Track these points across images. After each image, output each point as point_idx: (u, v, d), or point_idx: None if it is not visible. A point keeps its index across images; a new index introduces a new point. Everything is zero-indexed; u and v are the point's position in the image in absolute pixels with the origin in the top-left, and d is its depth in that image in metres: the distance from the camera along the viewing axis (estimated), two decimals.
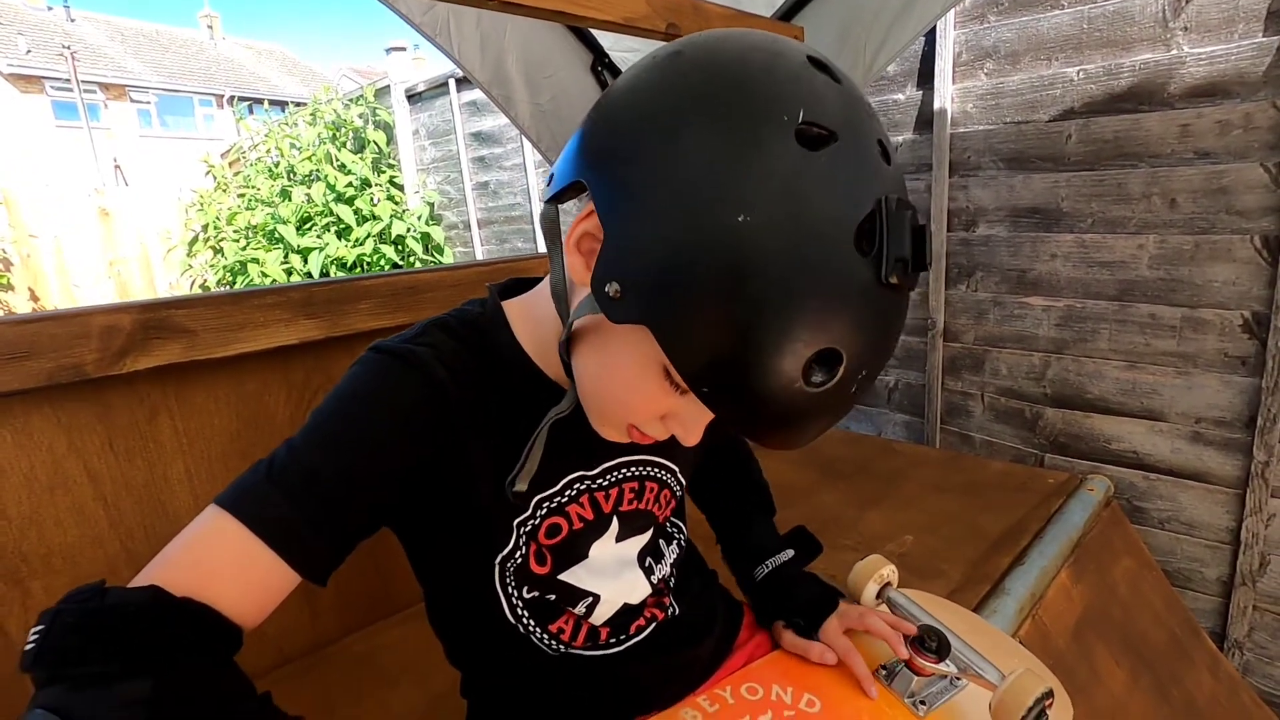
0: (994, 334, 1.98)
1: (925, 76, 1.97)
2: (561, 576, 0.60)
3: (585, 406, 0.52)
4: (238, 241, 4.30)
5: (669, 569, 0.69)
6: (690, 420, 0.49)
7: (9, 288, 5.73)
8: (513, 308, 0.57)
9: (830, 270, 0.39)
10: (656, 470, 0.65)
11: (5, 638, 0.85)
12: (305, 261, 4.02)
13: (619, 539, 0.63)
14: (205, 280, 4.84)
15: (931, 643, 0.73)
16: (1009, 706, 0.63)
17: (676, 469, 0.67)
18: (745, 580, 0.80)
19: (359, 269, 4.09)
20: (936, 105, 1.95)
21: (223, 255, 4.42)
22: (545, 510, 0.57)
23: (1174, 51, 1.57)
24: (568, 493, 0.58)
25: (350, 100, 4.49)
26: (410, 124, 4.26)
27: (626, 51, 1.87)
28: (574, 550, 0.60)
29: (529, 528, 0.57)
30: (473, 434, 0.53)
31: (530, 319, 0.56)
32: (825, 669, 0.75)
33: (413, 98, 4.19)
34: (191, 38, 20.22)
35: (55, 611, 0.40)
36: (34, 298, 5.99)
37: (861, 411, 2.37)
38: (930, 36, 1.91)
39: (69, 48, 13.75)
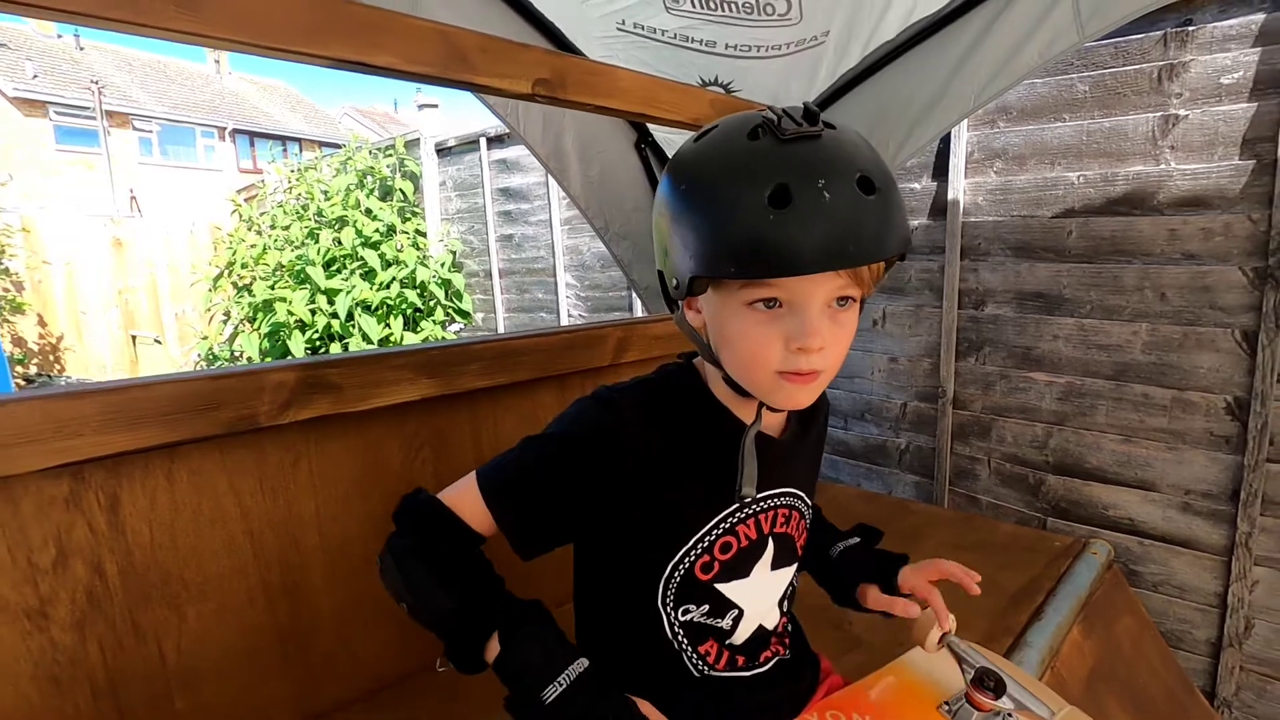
0: (1000, 404, 2.16)
1: (940, 170, 2.19)
2: (719, 585, 0.73)
3: (748, 385, 0.65)
4: (266, 280, 4.42)
5: (789, 608, 0.83)
6: (798, 323, 0.59)
7: (22, 311, 5.77)
8: (700, 365, 0.74)
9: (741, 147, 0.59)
10: (795, 500, 0.79)
11: (162, 661, 0.94)
12: (331, 302, 4.15)
13: (774, 566, 0.77)
14: (229, 315, 4.93)
15: (990, 682, 0.86)
16: None
17: (809, 502, 0.82)
18: (821, 562, 0.92)
19: (382, 311, 4.22)
20: (950, 196, 2.16)
21: (249, 293, 4.53)
22: (721, 530, 0.72)
23: (1163, 166, 1.80)
24: (738, 514, 0.73)
25: (379, 149, 4.69)
26: (438, 175, 4.46)
27: (668, 131, 2.08)
28: (740, 567, 0.74)
29: (706, 543, 0.71)
30: (661, 465, 0.68)
31: (710, 371, 0.72)
32: (897, 702, 0.88)
33: (442, 151, 4.40)
34: (198, 71, 20.57)
35: (404, 496, 0.71)
36: (42, 323, 6.01)
37: (873, 471, 2.52)
38: (946, 136, 2.14)
39: (96, 81, 14.02)
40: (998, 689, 0.85)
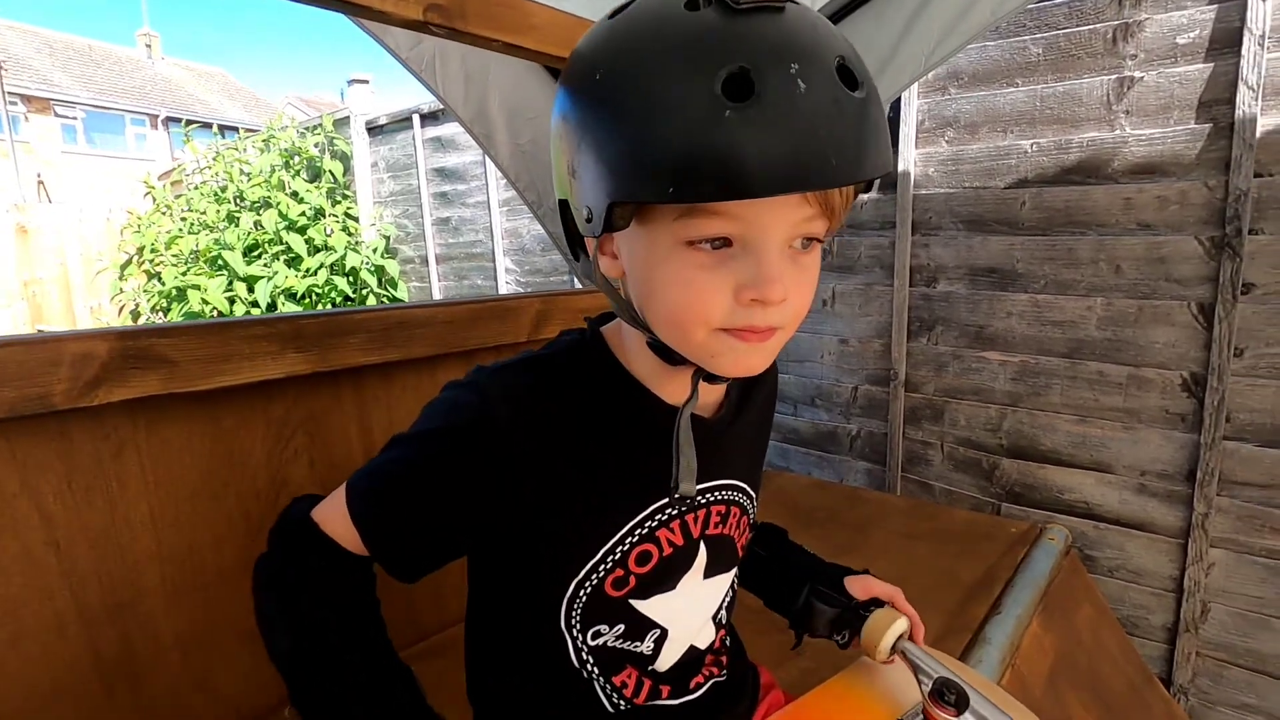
0: (953, 386, 2.06)
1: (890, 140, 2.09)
2: (635, 602, 0.58)
3: (683, 348, 0.50)
4: (178, 267, 4.08)
5: (726, 620, 0.69)
6: (752, 266, 0.45)
7: None
8: (610, 332, 0.58)
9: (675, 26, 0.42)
10: (739, 495, 0.65)
11: None
12: (251, 290, 3.85)
13: (707, 574, 0.63)
14: (139, 305, 4.55)
15: (950, 695, 0.73)
16: None
17: (753, 495, 0.68)
18: (793, 555, 0.79)
19: (309, 300, 3.94)
20: (900, 168, 2.06)
21: (159, 281, 4.18)
22: (637, 537, 0.57)
23: (1117, 131, 1.72)
24: (658, 517, 0.57)
25: (306, 128, 4.40)
26: (369, 156, 4.20)
27: None
28: (663, 580, 0.60)
29: (619, 554, 0.56)
30: (550, 456, 0.53)
31: (626, 338, 0.57)
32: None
33: (373, 130, 4.15)
34: (128, 55, 19.54)
35: (284, 509, 0.60)
36: None
37: (824, 459, 2.41)
38: (895, 104, 2.03)
39: None
40: (959, 703, 0.72)
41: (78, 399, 0.78)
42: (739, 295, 0.45)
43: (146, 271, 4.50)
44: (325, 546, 0.55)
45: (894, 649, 0.81)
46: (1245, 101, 1.53)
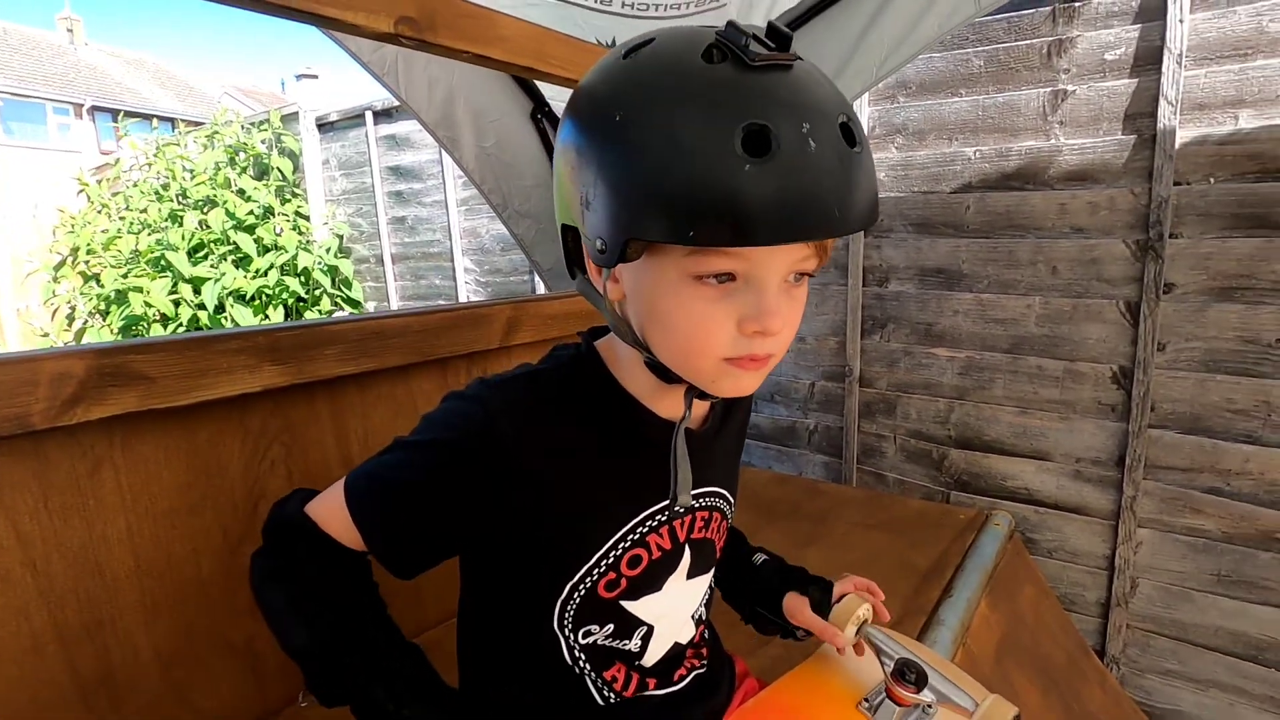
0: (904, 381, 2.17)
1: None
2: (625, 603, 0.62)
3: (687, 373, 0.53)
4: (118, 268, 3.90)
5: (705, 616, 0.74)
6: (754, 301, 0.49)
7: None
8: (603, 348, 0.62)
9: (689, 71, 0.45)
10: (719, 501, 0.69)
11: None
12: (197, 292, 3.71)
13: (690, 574, 0.67)
14: (75, 308, 4.33)
15: (911, 675, 0.79)
16: None
17: (732, 500, 0.72)
18: (736, 568, 0.84)
19: (259, 301, 3.83)
20: None
21: (98, 283, 3.98)
22: (629, 542, 0.60)
23: (1053, 141, 1.83)
24: (649, 523, 0.61)
25: (252, 124, 4.26)
26: (320, 153, 4.10)
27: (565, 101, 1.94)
28: (651, 582, 0.64)
29: (612, 559, 0.60)
30: (550, 469, 0.56)
31: (620, 354, 0.60)
32: (814, 703, 0.81)
33: (324, 126, 4.05)
34: (47, 39, 18.41)
35: (274, 504, 0.63)
36: None
37: (784, 452, 2.49)
38: None
39: None
40: (919, 681, 0.79)
41: (56, 418, 0.77)
42: (742, 326, 0.49)
43: (83, 273, 4.29)
44: (324, 543, 0.58)
45: (858, 633, 0.87)
46: (1165, 115, 1.66)
